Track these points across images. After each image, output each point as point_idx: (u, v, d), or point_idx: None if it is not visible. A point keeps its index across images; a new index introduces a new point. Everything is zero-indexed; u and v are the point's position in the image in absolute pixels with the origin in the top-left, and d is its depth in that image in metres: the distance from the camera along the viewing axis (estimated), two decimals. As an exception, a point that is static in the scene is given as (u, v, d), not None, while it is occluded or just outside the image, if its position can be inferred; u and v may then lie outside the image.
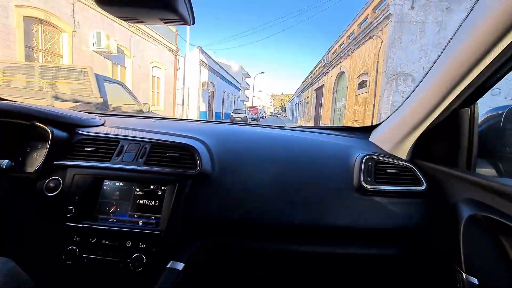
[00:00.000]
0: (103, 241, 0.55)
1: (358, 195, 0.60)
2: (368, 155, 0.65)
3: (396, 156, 0.65)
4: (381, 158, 0.64)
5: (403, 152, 0.66)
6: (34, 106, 0.62)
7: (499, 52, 0.40)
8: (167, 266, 0.54)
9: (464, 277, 0.54)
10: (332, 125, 5.99)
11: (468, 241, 0.53)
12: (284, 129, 0.85)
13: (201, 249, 0.57)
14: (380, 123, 0.73)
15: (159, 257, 0.55)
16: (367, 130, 0.81)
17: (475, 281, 0.52)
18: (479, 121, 0.52)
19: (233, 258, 0.60)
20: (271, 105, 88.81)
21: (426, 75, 0.55)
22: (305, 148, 0.70)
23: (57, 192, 0.57)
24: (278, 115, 49.77)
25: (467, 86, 0.46)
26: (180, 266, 0.56)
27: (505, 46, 0.38)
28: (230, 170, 0.62)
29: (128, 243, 0.56)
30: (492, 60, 0.41)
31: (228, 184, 0.61)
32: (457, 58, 0.46)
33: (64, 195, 0.57)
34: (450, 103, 0.50)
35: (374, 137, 0.76)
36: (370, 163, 0.63)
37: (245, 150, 0.67)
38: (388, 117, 0.69)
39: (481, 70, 0.43)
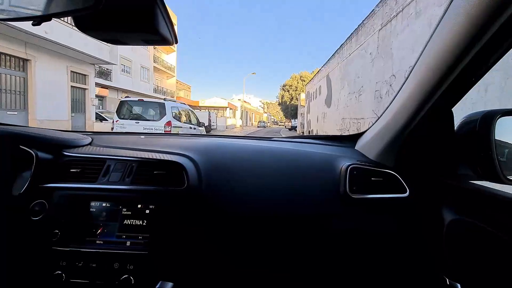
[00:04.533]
0: (90, 264, 0.64)
1: (344, 204, 0.75)
2: (352, 164, 0.78)
3: (381, 164, 0.79)
4: (365, 167, 0.78)
5: (387, 159, 0.79)
6: (18, 129, 0.76)
7: (470, 58, 0.50)
8: (156, 287, 0.63)
9: (448, 282, 0.62)
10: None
11: (451, 246, 0.64)
12: (271, 140, 1.05)
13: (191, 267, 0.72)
14: (365, 131, 0.90)
15: (147, 278, 0.64)
16: (353, 138, 0.96)
17: (458, 286, 0.60)
18: (457, 127, 0.68)
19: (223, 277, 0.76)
20: (262, 111, 63.38)
21: (405, 82, 0.68)
22: (291, 159, 0.84)
23: (42, 215, 0.67)
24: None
25: (442, 92, 0.58)
26: (169, 286, 0.63)
27: (476, 51, 0.48)
28: (218, 186, 0.77)
29: (116, 265, 0.64)
30: (465, 66, 0.51)
31: (216, 200, 0.75)
32: (432, 63, 0.56)
33: (50, 218, 0.67)
34: (427, 110, 0.63)
35: (359, 145, 0.90)
36: (355, 171, 0.76)
37: (233, 164, 0.81)
38: (373, 124, 0.85)
39: (455, 76, 0.54)
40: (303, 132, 22.86)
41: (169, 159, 0.76)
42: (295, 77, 40.45)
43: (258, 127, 43.08)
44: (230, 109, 38.74)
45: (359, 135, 0.94)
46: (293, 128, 32.30)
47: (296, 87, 39.09)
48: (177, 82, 33.64)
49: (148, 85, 21.96)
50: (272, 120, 75.55)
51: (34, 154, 0.70)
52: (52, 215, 0.67)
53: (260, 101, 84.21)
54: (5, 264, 0.63)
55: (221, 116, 33.84)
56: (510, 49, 0.50)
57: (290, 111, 39.12)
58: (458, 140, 0.65)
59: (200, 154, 0.81)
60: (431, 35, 0.56)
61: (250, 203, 0.74)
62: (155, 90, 23.98)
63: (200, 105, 33.41)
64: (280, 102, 42.95)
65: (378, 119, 0.81)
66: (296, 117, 35.18)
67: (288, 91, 40.85)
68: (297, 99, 36.12)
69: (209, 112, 20.87)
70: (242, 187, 0.76)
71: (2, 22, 0.44)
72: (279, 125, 61.29)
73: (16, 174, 0.71)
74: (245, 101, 53.62)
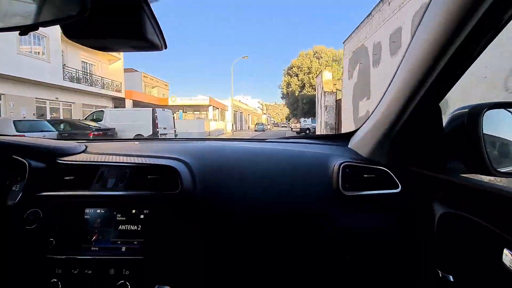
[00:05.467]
0: (86, 271, 0.65)
1: (337, 201, 0.77)
2: (345, 161, 0.80)
3: (373, 161, 0.82)
4: (358, 164, 0.80)
5: (379, 156, 0.81)
6: (10, 139, 0.79)
7: (453, 52, 0.52)
8: None
9: (440, 274, 0.64)
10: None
11: (442, 239, 0.66)
12: (265, 141, 1.08)
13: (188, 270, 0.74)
14: (358, 129, 0.94)
15: (144, 282, 0.66)
16: (346, 137, 1.00)
17: (450, 278, 0.62)
18: (446, 121, 0.70)
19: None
20: (261, 112, 70.78)
21: (393, 79, 0.70)
22: (285, 160, 0.87)
23: (36, 224, 0.68)
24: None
25: (428, 88, 0.60)
26: None
27: (458, 45, 0.50)
28: (213, 188, 0.78)
29: (112, 271, 0.65)
30: (448, 60, 0.53)
31: (210, 202, 0.76)
32: (417, 59, 0.58)
33: (44, 226, 0.69)
34: (414, 106, 0.65)
35: (352, 144, 0.94)
36: (347, 169, 0.78)
37: (226, 167, 0.83)
38: (364, 122, 0.89)
39: (438, 72, 0.56)
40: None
41: (163, 163, 0.77)
42: (307, 54, 28.74)
43: (255, 130, 32.44)
44: (216, 108, 29.03)
45: (351, 134, 0.97)
46: (304, 132, 21.55)
47: (309, 68, 27.65)
48: (146, 77, 24.75)
49: (45, 66, 12.26)
50: (272, 122, 67.83)
51: (27, 163, 0.71)
52: (46, 223, 0.69)
53: (259, 102, 75.96)
54: (7, 271, 0.65)
55: (197, 118, 24.32)
56: (490, 42, 0.52)
57: (302, 105, 27.02)
58: (447, 134, 0.67)
59: (194, 158, 0.83)
60: (415, 32, 0.58)
61: (245, 204, 0.76)
62: (74, 78, 14.38)
63: (170, 103, 24.36)
64: (285, 93, 30.83)
65: (369, 117, 0.84)
66: (309, 116, 24.55)
67: (297, 75, 28.41)
68: (312, 86, 25.67)
69: (153, 109, 11.17)
70: (236, 189, 0.78)
71: None
72: (281, 127, 53.81)
73: (10, 184, 0.72)
74: (240, 101, 43.36)
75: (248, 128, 44.06)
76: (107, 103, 18.21)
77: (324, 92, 15.55)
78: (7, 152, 0.72)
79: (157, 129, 10.82)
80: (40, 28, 0.40)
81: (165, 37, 0.43)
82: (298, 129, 23.70)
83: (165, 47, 0.44)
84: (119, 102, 19.24)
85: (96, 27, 0.40)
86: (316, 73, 23.31)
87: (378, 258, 0.75)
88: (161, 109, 12.13)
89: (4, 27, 0.36)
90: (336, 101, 15.01)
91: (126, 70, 26.11)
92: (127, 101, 19.29)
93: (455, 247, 0.63)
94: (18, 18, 0.36)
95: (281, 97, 35.00)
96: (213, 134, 21.37)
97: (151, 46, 0.42)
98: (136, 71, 26.21)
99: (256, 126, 36.61)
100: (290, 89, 29.18)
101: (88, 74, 16.27)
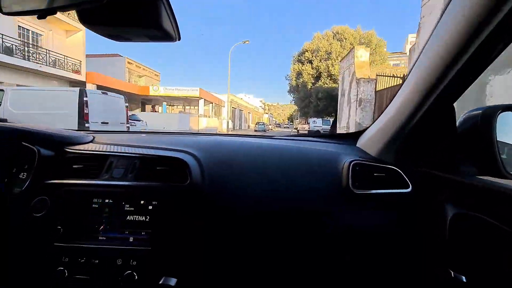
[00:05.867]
0: (93, 260, 0.65)
1: (346, 199, 0.77)
2: (355, 160, 0.79)
3: (383, 160, 0.81)
4: (367, 163, 0.79)
5: (389, 156, 0.80)
6: (20, 126, 0.79)
7: (469, 55, 0.52)
8: (160, 283, 0.64)
9: (452, 275, 0.64)
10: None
11: (455, 240, 0.66)
12: (273, 138, 1.09)
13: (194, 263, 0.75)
14: (367, 129, 0.94)
15: (151, 274, 0.66)
16: (354, 136, 0.99)
17: (463, 278, 0.62)
18: (459, 123, 0.70)
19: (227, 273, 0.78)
20: (263, 111, 67.32)
21: (407, 79, 0.70)
22: (294, 156, 0.87)
23: (44, 212, 0.68)
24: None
25: (444, 87, 0.59)
26: (173, 281, 0.64)
27: (475, 48, 0.50)
28: (221, 182, 0.78)
29: (119, 261, 0.66)
30: (464, 62, 0.53)
31: (219, 195, 0.77)
32: (433, 60, 0.58)
33: (52, 214, 0.69)
34: (429, 105, 0.64)
35: (361, 143, 0.93)
36: (357, 167, 0.78)
37: (235, 161, 0.84)
38: (374, 122, 0.88)
39: (456, 71, 0.55)
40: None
41: (172, 155, 0.77)
42: (325, 35, 22.42)
43: (255, 131, 27.95)
44: (209, 102, 24.02)
45: (360, 133, 0.98)
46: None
47: (328, 53, 21.56)
48: (131, 64, 21.06)
49: None
50: (274, 122, 65.05)
51: (36, 151, 0.72)
52: (54, 211, 0.69)
53: (261, 101, 72.76)
54: (8, 261, 0.66)
55: (180, 112, 20.08)
56: (507, 46, 0.52)
57: (316, 100, 20.85)
58: (460, 135, 0.68)
59: (203, 151, 0.83)
60: (432, 33, 0.58)
61: (253, 198, 0.77)
62: (1, 48, 10.12)
63: (151, 93, 20.56)
64: (294, 85, 24.31)
65: (379, 116, 0.84)
66: (325, 115, 20.07)
67: (311, 61, 22.16)
68: (331, 76, 20.36)
69: (81, 90, 6.32)
70: (245, 183, 0.79)
71: (8, 15, 0.41)
72: (283, 128, 50.64)
73: (17, 171, 0.73)
74: (242, 99, 38.97)
75: (248, 127, 39.66)
76: (61, 86, 13.43)
77: (357, 80, 10.88)
78: (16, 138, 0.73)
79: (87, 123, 6.11)
80: None
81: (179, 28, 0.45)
82: (306, 132, 19.88)
83: (179, 39, 0.44)
84: (79, 87, 14.73)
85: (113, 15, 0.40)
86: (337, 59, 18.56)
87: (388, 257, 0.77)
88: (99, 91, 7.47)
89: (22, 10, 0.37)
90: (376, 93, 10.39)
91: (108, 55, 22.32)
92: (88, 86, 14.26)
93: (468, 248, 0.64)
94: (36, 2, 0.36)
95: (288, 91, 28.41)
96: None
97: (166, 36, 0.42)
98: (120, 56, 22.16)
99: (257, 125, 32.15)
100: (301, 80, 23.13)
101: (27, 44, 11.65)
